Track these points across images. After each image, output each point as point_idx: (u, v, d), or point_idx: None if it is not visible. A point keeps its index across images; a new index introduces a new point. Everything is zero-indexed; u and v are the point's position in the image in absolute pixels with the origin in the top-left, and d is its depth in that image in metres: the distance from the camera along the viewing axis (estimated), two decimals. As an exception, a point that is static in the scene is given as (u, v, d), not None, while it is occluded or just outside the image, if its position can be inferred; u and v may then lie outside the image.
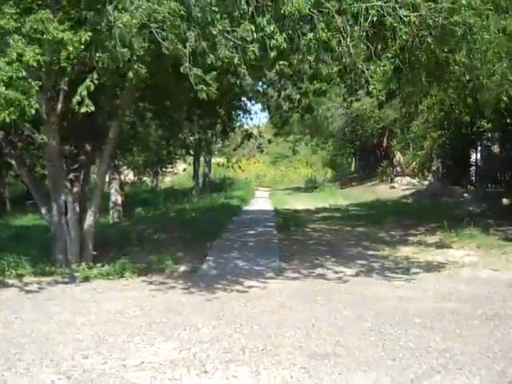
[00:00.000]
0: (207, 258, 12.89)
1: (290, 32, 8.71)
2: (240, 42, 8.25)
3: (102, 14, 8.19)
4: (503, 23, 9.42)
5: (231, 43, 8.26)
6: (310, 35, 8.63)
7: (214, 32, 8.16)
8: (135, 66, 8.34)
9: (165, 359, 6.17)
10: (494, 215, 18.67)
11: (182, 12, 7.82)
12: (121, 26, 7.67)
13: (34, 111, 8.41)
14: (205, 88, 8.30)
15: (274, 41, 8.44)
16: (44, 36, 8.16)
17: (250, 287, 9.99)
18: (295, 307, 8.47)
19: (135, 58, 8.19)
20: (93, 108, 9.01)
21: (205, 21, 8.13)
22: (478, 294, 9.24)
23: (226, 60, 8.27)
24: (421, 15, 8.59)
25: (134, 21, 7.67)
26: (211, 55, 8.27)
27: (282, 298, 9.07)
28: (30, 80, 8.43)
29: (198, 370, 5.83)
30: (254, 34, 8.32)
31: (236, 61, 8.29)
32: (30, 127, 11.20)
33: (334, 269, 11.61)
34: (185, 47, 8.02)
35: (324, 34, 8.50)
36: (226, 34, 8.23)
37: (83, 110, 8.88)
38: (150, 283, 10.46)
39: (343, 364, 5.98)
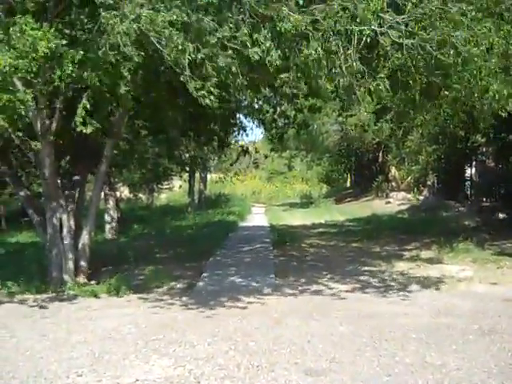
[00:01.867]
0: (203, 274, 12.86)
1: (286, 49, 8.74)
2: (239, 48, 8.24)
3: (96, 21, 8.21)
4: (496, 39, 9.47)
5: (229, 52, 8.27)
6: (306, 51, 8.64)
7: (213, 41, 8.17)
8: (125, 84, 8.37)
9: (159, 376, 6.15)
10: (489, 229, 18.72)
11: (180, 23, 7.83)
12: (120, 33, 7.65)
13: (27, 119, 8.45)
14: (206, 94, 8.30)
15: (269, 57, 8.47)
16: (31, 47, 8.13)
17: (245, 304, 9.96)
18: (291, 323, 8.45)
19: (126, 72, 8.21)
20: (97, 125, 9.05)
21: (203, 30, 8.13)
22: (473, 309, 9.25)
23: (224, 70, 8.29)
24: (412, 43, 8.66)
25: (134, 26, 7.66)
26: (209, 65, 8.29)
27: (278, 314, 9.05)
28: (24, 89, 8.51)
29: (193, 388, 5.82)
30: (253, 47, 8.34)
31: (234, 69, 8.31)
32: (22, 137, 11.22)
33: (330, 285, 11.59)
34: (184, 57, 8.02)
35: (318, 52, 8.53)
36: (225, 42, 8.23)
37: (89, 130, 8.92)
38: (146, 300, 10.42)
39: (339, 380, 5.97)
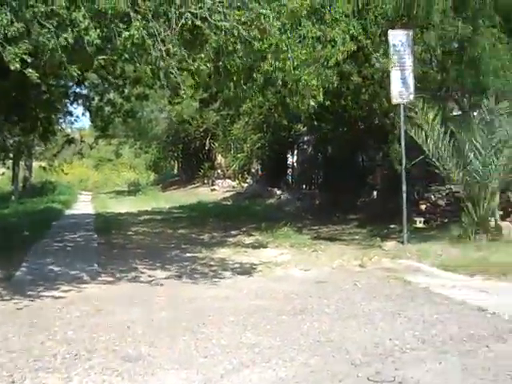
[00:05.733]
0: (23, 264, 12.48)
1: (105, 29, 8.57)
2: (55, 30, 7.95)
3: None
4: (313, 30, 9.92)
5: (45, 30, 7.94)
6: (126, 34, 8.54)
7: (28, 16, 7.83)
8: None
9: (-31, 372, 5.95)
10: (308, 215, 19.65)
11: None
12: None
13: None
14: (18, 59, 7.86)
15: (88, 37, 8.25)
16: None
17: (66, 292, 9.79)
18: (112, 311, 8.45)
19: None
20: None
21: (19, 3, 7.76)
22: (288, 291, 9.69)
23: (40, 45, 7.95)
24: (228, 26, 8.87)
25: None
26: (25, 41, 7.93)
27: (99, 302, 8.99)
28: None
29: (5, 382, 5.66)
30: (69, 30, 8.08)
31: (51, 45, 7.98)
32: None
33: (152, 272, 11.66)
34: None
35: (140, 33, 8.47)
36: (41, 19, 7.89)
37: None
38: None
39: (156, 365, 6.07)
